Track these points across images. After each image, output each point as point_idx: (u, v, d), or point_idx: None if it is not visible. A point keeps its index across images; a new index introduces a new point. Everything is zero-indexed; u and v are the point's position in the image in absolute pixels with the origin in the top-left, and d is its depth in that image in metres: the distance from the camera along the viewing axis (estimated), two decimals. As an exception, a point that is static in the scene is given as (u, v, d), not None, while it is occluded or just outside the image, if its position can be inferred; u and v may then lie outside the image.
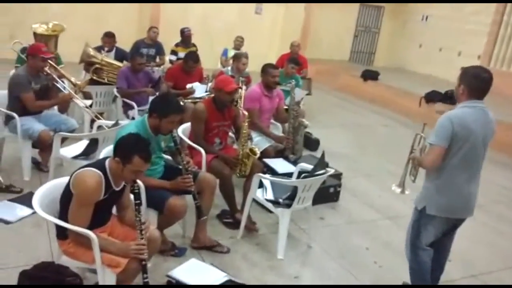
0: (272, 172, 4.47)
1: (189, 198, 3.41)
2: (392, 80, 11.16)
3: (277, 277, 3.52)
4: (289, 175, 4.27)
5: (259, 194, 3.90)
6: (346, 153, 6.69)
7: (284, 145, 4.94)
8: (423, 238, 3.07)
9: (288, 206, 3.72)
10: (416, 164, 3.09)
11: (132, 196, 2.69)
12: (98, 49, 6.49)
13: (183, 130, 4.30)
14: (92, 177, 2.57)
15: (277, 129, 5.32)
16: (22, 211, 3.84)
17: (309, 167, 4.05)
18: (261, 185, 3.94)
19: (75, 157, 4.23)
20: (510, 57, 11.18)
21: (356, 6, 14.07)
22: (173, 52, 7.82)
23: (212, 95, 4.41)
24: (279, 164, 4.62)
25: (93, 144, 4.20)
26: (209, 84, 6.01)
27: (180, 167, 3.40)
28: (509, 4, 11.20)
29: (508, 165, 7.09)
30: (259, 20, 12.50)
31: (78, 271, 2.89)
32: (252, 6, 12.40)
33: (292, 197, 3.71)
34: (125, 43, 7.30)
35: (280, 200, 3.80)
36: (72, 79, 5.26)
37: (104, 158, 2.74)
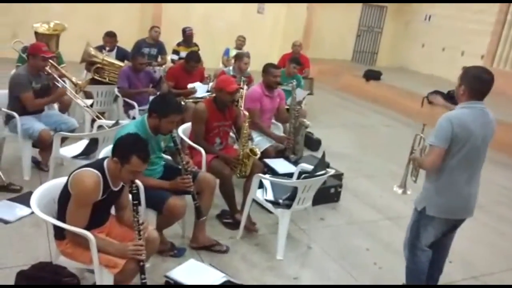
0: (273, 172, 4.46)
1: (188, 198, 3.40)
2: (395, 80, 11.12)
3: (276, 278, 3.51)
4: (290, 175, 4.25)
5: (259, 195, 3.89)
6: (348, 153, 6.67)
7: (285, 145, 4.92)
8: (422, 239, 3.05)
9: (288, 206, 3.70)
10: (416, 165, 3.07)
11: (130, 197, 2.68)
12: (100, 48, 6.50)
13: (183, 130, 4.29)
14: (90, 177, 2.56)
15: (278, 129, 5.30)
16: (21, 210, 3.84)
17: (310, 167, 4.03)
18: (261, 185, 3.93)
19: (75, 157, 4.23)
20: (514, 57, 11.15)
21: (358, 5, 14.03)
22: (175, 52, 7.82)
23: (213, 95, 4.40)
24: (280, 164, 4.61)
25: (93, 144, 4.20)
26: (211, 84, 6.00)
27: (180, 167, 3.39)
28: (512, 4, 11.16)
29: (509, 165, 7.06)
30: (261, 19, 12.48)
31: (77, 271, 2.89)
32: (255, 5, 12.39)
33: (292, 198, 3.69)
34: (126, 42, 7.30)
35: (280, 201, 3.78)
36: (73, 79, 5.28)
37: (103, 158, 2.74)
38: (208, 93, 5.77)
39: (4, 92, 4.53)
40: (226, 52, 8.69)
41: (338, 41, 13.79)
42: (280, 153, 4.91)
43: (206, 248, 3.67)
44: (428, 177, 3.00)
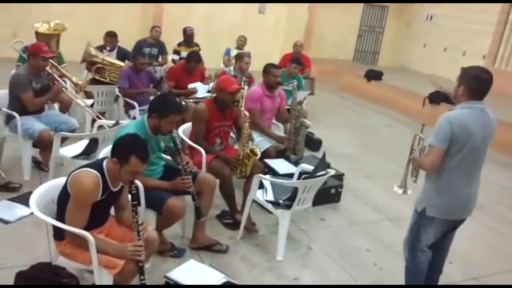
0: (273, 172, 4.45)
1: (188, 198, 3.40)
2: (396, 80, 11.10)
3: (276, 278, 3.50)
4: (290, 175, 4.25)
5: (259, 195, 3.88)
6: (349, 153, 6.66)
7: (285, 145, 4.91)
8: (423, 240, 3.04)
9: (288, 207, 3.70)
10: (416, 165, 3.06)
11: (129, 197, 2.67)
12: (100, 48, 6.50)
13: (183, 130, 4.28)
14: (89, 177, 2.55)
15: (279, 129, 5.30)
16: (21, 211, 3.83)
17: (310, 168, 4.02)
18: (261, 185, 3.92)
19: (75, 157, 4.22)
20: (516, 57, 11.12)
21: (360, 5, 14.02)
22: (176, 52, 7.82)
23: (214, 95, 4.39)
24: (280, 165, 4.60)
25: (93, 144, 4.19)
26: (211, 84, 5.99)
27: (180, 167, 3.39)
28: (514, 4, 11.14)
29: (509, 165, 7.04)
30: (263, 19, 12.47)
31: (76, 272, 2.88)
32: (256, 5, 12.38)
33: (292, 198, 3.68)
34: (127, 42, 7.30)
35: (280, 201, 3.77)
36: (74, 79, 5.28)
37: (102, 159, 2.73)
38: (209, 93, 5.76)
39: (4, 92, 4.53)
40: (227, 52, 8.69)
41: (339, 41, 13.78)
42: (280, 154, 4.90)
43: (206, 248, 3.66)
44: (428, 177, 2.99)
